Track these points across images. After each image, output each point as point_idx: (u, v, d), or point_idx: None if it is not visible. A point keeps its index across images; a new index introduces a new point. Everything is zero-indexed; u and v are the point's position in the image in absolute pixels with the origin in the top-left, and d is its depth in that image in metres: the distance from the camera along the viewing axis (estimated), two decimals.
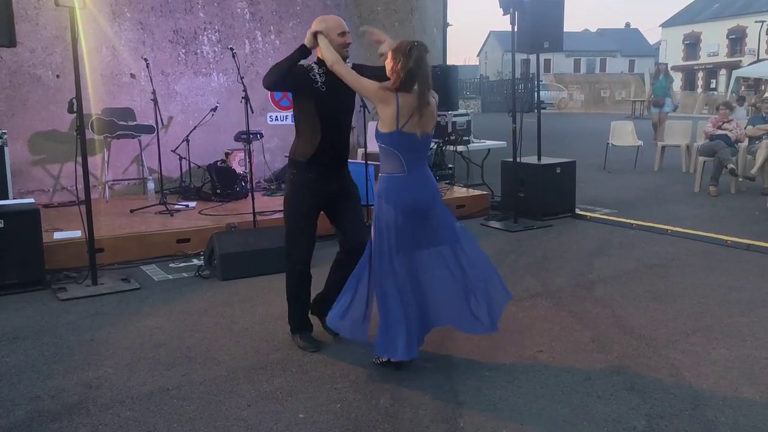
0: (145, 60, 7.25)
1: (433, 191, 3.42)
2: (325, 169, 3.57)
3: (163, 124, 7.36)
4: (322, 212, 3.72)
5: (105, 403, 3.07)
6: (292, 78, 3.45)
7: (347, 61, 3.49)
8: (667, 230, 6.40)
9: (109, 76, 7.55)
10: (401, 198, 3.29)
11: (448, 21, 10.60)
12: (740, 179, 8.58)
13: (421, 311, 3.39)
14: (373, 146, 7.76)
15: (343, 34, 3.47)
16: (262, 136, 7.74)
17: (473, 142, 8.61)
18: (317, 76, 3.48)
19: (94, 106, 7.09)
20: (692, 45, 49.74)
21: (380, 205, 3.34)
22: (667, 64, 14.85)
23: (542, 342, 3.74)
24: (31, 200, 5.58)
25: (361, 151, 8.17)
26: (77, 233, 5.32)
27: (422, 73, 3.22)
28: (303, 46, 3.45)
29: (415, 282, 3.36)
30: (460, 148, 8.26)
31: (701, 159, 8.92)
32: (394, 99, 3.21)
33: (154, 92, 7.05)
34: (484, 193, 7.78)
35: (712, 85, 46.89)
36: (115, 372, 3.40)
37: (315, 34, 3.43)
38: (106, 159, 7.39)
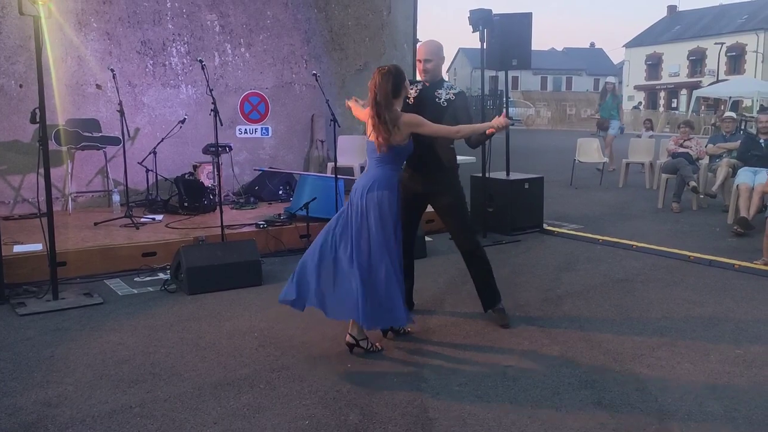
0: (112, 71, 7.16)
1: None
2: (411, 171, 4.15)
3: (129, 136, 7.25)
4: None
5: (64, 422, 2.98)
6: None
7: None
8: (632, 246, 6.51)
9: (74, 87, 7.42)
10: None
11: (417, 37, 10.69)
12: (701, 196, 8.80)
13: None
14: (343, 160, 7.80)
15: (420, 61, 4.04)
16: (231, 149, 7.67)
17: None
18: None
19: (58, 117, 6.95)
20: (654, 65, 51.17)
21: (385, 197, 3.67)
22: (614, 84, 14.00)
23: (511, 357, 3.76)
24: None
25: (330, 165, 8.15)
26: (38, 246, 5.19)
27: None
28: None
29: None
30: None
31: (664, 176, 9.13)
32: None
33: (120, 103, 6.95)
34: None
35: (674, 104, 48.27)
36: (75, 389, 3.30)
37: None
38: (69, 170, 7.24)
